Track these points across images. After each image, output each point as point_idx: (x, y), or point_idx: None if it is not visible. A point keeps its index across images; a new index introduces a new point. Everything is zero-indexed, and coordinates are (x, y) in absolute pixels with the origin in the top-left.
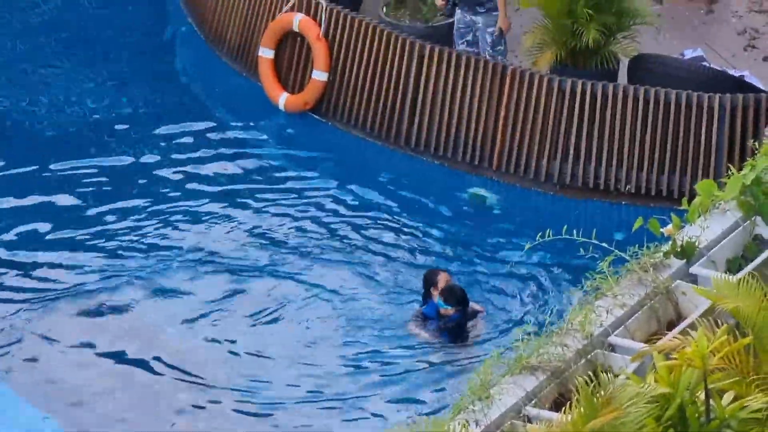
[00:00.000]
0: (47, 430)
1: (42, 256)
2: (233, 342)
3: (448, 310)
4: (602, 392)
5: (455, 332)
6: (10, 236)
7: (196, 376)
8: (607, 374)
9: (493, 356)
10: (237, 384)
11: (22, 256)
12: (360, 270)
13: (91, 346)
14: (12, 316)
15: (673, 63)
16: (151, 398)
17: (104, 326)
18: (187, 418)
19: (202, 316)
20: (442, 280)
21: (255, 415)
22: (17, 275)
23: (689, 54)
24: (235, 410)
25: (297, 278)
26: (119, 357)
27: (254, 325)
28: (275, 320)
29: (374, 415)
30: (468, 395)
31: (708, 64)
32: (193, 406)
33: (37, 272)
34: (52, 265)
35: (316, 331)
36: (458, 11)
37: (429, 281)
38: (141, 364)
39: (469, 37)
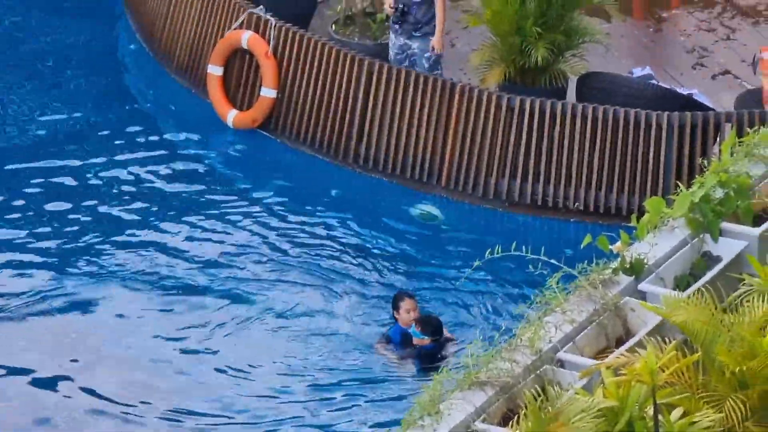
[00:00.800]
0: None
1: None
2: (185, 363)
3: (424, 340)
4: (550, 407)
5: (427, 360)
6: None
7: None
8: (555, 389)
9: (442, 372)
10: (186, 406)
11: None
12: (308, 288)
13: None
14: None
15: (622, 81)
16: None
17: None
18: None
19: (149, 337)
20: (405, 306)
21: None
22: None
23: (638, 72)
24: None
25: (245, 296)
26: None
27: (200, 343)
28: (224, 337)
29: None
30: (417, 410)
31: (656, 83)
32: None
33: None
34: None
35: (261, 348)
36: (392, 35)
37: (393, 305)
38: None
39: (406, 63)
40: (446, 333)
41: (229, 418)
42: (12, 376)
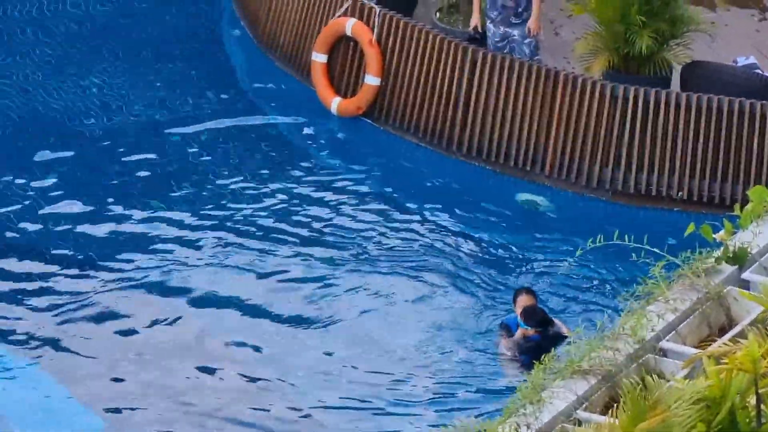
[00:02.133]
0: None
1: (92, 255)
2: (292, 341)
3: (528, 331)
4: (650, 395)
5: (535, 353)
6: (58, 232)
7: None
8: (656, 378)
9: (545, 360)
10: (286, 382)
11: (63, 258)
12: (414, 276)
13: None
14: (56, 313)
15: (727, 70)
16: (184, 404)
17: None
18: (222, 420)
19: (259, 314)
20: (521, 301)
21: (306, 416)
22: (67, 275)
23: (742, 61)
24: (288, 408)
25: (351, 282)
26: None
27: (310, 327)
28: (335, 323)
29: (430, 415)
30: (519, 398)
31: (761, 72)
32: (235, 408)
33: (93, 271)
34: (96, 265)
35: (377, 334)
36: (490, 25)
37: (513, 299)
38: (176, 371)
39: (506, 50)
40: (564, 329)
41: (343, 397)
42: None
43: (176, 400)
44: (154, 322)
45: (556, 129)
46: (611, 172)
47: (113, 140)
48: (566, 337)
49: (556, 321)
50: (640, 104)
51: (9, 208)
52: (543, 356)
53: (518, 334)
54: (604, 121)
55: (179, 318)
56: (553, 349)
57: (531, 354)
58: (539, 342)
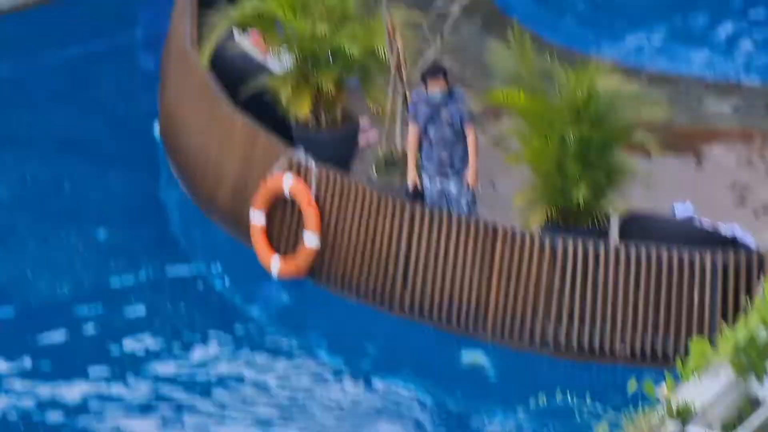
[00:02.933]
0: None
1: None
2: None
3: None
4: None
5: None
6: None
7: None
8: None
9: None
10: None
11: None
12: None
13: None
14: None
15: (664, 221)
16: None
17: None
18: None
19: None
20: None
21: None
22: None
23: (680, 209)
24: None
25: None
26: None
27: None
28: None
29: None
30: None
31: (699, 221)
32: None
33: None
34: None
35: None
36: (427, 180)
37: None
38: None
39: (444, 205)
40: None
41: None
42: None
43: None
44: None
45: (497, 284)
46: (553, 327)
47: (51, 307)
48: None
49: None
50: (579, 257)
51: None
52: None
53: None
54: (544, 275)
55: None
56: None
57: None
58: None
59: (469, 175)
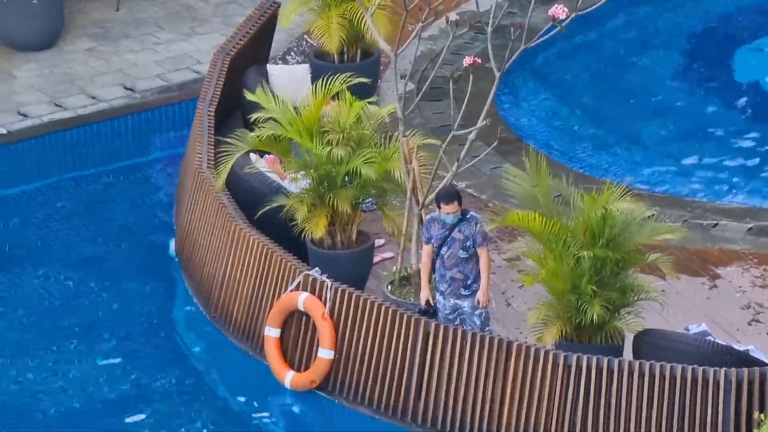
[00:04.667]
0: None
1: None
2: None
3: None
4: None
5: None
6: None
7: None
8: None
9: None
10: None
11: None
12: None
13: None
14: None
15: (678, 338)
16: None
17: None
18: None
19: None
20: None
21: None
22: None
23: (693, 329)
24: None
25: None
26: None
27: None
28: None
29: None
30: None
31: (713, 339)
32: None
33: None
34: None
35: None
36: (440, 297)
37: None
38: None
39: (457, 322)
40: None
41: None
42: None
43: None
44: None
45: (510, 398)
46: None
47: (65, 424)
48: None
49: None
50: (593, 373)
51: None
52: None
53: None
54: (558, 390)
55: None
56: None
57: None
58: None
59: (480, 293)
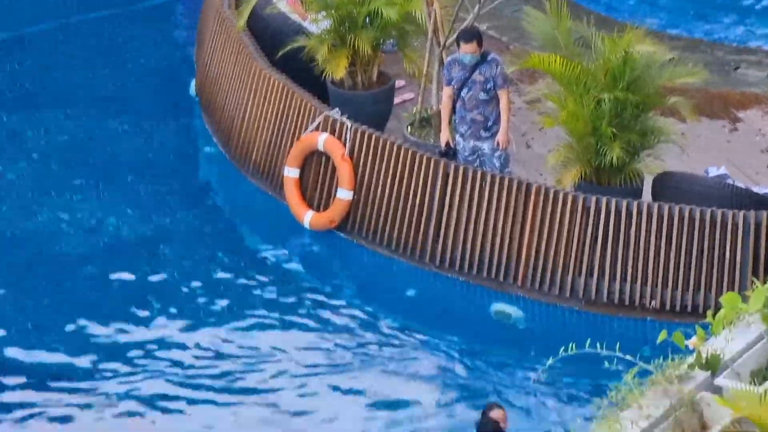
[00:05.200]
0: None
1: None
2: None
3: None
4: None
5: None
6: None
7: None
8: None
9: None
10: None
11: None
12: (387, 388)
13: None
14: None
15: (698, 180)
16: None
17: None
18: None
19: None
20: (494, 417)
21: None
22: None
23: (713, 172)
24: None
25: (324, 398)
26: None
27: None
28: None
29: None
30: None
31: (732, 182)
32: None
33: None
34: None
35: None
36: (460, 139)
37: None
38: None
39: (476, 164)
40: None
41: None
42: None
43: None
44: None
45: (529, 240)
46: (584, 281)
47: (87, 259)
48: None
49: None
50: (612, 214)
51: None
52: None
53: None
54: (576, 232)
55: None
56: None
57: None
58: None
59: (500, 135)
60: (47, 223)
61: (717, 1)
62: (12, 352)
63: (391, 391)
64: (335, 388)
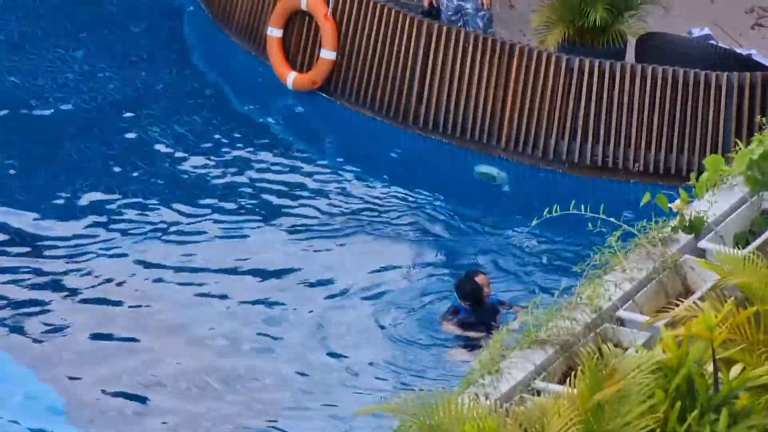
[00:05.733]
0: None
1: (49, 241)
2: (250, 332)
3: (464, 303)
4: (606, 364)
5: (472, 327)
6: (15, 211)
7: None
8: (612, 347)
9: (502, 331)
10: (251, 375)
11: (31, 238)
12: (370, 249)
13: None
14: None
15: (681, 41)
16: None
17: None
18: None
19: (209, 295)
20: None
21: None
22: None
23: (697, 33)
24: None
25: (307, 259)
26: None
27: (265, 309)
28: (289, 291)
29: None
30: (477, 369)
31: (715, 43)
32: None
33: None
34: (62, 247)
35: (329, 306)
36: None
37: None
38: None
39: (460, 24)
40: (504, 304)
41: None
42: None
43: (142, 384)
44: (119, 304)
45: (512, 102)
46: (567, 144)
47: (66, 120)
48: (505, 308)
49: (507, 308)
50: (595, 76)
51: None
52: (481, 330)
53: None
54: (559, 93)
55: (147, 303)
56: (493, 322)
57: (470, 328)
58: (467, 317)
59: None
60: (28, 80)
61: None
62: None
63: (376, 251)
64: (318, 250)
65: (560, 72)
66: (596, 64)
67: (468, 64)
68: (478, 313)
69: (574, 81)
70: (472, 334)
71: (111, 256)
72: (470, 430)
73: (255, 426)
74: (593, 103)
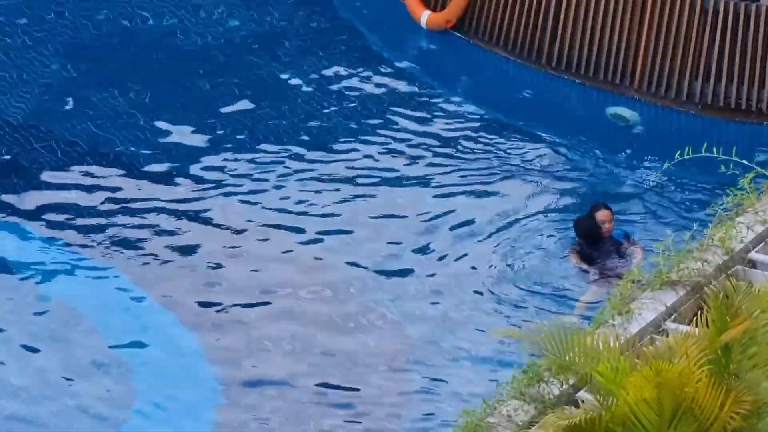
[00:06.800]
0: None
1: (171, 164)
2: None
3: (580, 240)
4: (733, 304)
5: (590, 261)
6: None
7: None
8: (740, 286)
9: (633, 271)
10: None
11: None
12: (500, 188)
13: None
14: None
15: None
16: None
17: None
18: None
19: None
20: (600, 217)
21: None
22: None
23: None
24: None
25: (441, 196)
26: None
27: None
28: (417, 243)
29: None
30: (608, 309)
31: None
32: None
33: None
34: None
35: (457, 237)
36: None
37: (589, 214)
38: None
39: None
40: (626, 244)
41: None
42: None
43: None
44: (236, 232)
45: (646, 42)
46: (700, 85)
47: (206, 53)
48: (627, 247)
49: (629, 245)
50: (730, 17)
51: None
52: (599, 267)
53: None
54: (693, 34)
55: (239, 243)
56: (614, 256)
57: (593, 264)
58: (591, 253)
59: None
60: (166, 22)
61: None
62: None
63: (507, 191)
64: (451, 191)
65: (695, 12)
66: (731, 4)
67: (602, 2)
68: (595, 248)
69: (708, 21)
70: (586, 267)
71: (247, 192)
72: (604, 370)
73: (402, 365)
74: (727, 45)
